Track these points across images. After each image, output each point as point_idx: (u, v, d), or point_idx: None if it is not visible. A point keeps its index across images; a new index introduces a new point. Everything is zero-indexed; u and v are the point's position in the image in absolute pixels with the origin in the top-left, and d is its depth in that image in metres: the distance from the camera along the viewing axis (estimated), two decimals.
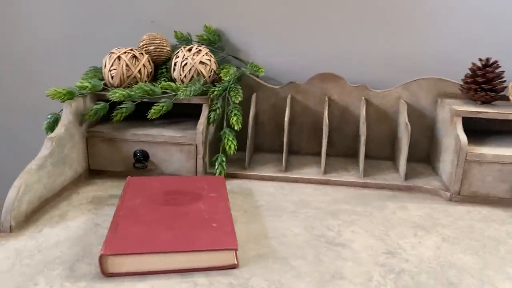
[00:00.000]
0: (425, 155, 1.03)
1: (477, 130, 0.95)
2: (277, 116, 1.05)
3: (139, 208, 0.71)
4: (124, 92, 0.87)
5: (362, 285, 0.58)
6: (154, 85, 0.90)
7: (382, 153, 1.04)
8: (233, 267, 0.61)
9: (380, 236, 0.71)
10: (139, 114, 0.95)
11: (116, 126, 0.93)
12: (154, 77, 1.00)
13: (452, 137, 0.86)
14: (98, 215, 0.76)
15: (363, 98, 0.98)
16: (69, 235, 0.69)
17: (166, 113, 0.90)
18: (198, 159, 0.89)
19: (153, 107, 0.88)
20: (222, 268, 0.61)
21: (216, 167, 0.90)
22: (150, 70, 0.96)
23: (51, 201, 0.79)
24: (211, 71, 0.94)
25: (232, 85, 0.92)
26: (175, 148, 0.89)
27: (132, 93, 0.87)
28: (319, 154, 1.04)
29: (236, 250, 0.61)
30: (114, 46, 0.96)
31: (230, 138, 0.89)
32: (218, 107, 0.91)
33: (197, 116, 0.91)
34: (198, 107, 0.91)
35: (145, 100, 0.89)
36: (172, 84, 0.90)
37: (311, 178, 0.92)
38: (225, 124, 0.92)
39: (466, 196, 0.85)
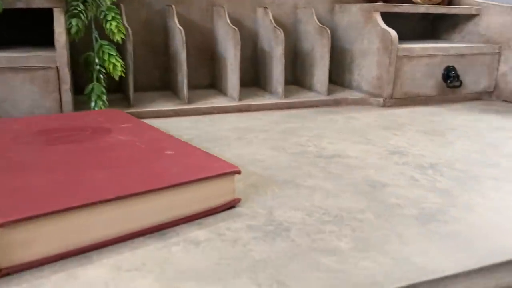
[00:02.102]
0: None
1: None
2: (152, 38, 0.76)
3: (9, 155, 0.37)
4: None
5: (414, 187, 0.41)
6: None
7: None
8: (233, 204, 0.36)
9: (364, 141, 0.55)
10: None
11: None
12: None
13: (374, 36, 0.75)
14: None
15: (260, 9, 0.79)
16: None
17: None
18: (63, 91, 0.56)
19: None
20: (219, 209, 0.35)
21: (93, 102, 0.59)
22: None
23: None
24: None
25: None
26: (21, 77, 0.54)
27: None
28: (213, 86, 0.81)
29: (239, 172, 0.35)
30: None
31: (113, 54, 0.59)
32: (81, 11, 0.59)
33: (32, 43, 0.57)
34: (29, 30, 0.58)
35: None
36: None
37: (228, 106, 0.68)
38: (94, 37, 0.61)
39: (398, 99, 0.76)
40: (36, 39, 0.69)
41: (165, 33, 0.76)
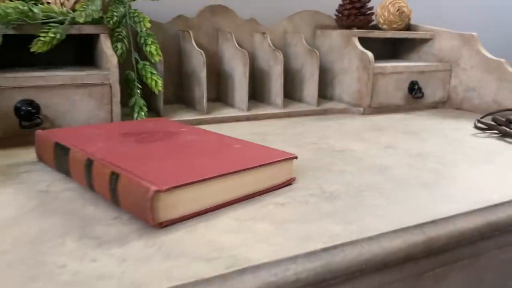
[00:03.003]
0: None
1: None
2: (167, 59, 0.88)
3: (119, 148, 0.48)
4: None
5: (411, 168, 0.57)
6: (34, 6, 0.62)
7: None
8: (291, 182, 0.49)
9: (361, 140, 0.70)
10: None
11: None
12: None
13: (354, 57, 0.91)
14: (29, 183, 0.48)
15: (257, 34, 0.93)
16: (20, 211, 0.41)
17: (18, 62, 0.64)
18: (114, 104, 0.67)
19: (41, 36, 0.61)
20: (283, 185, 0.48)
21: (136, 113, 0.70)
22: None
23: None
24: None
25: (131, 10, 0.72)
26: (80, 92, 0.64)
27: (10, 11, 0.58)
28: (219, 99, 0.94)
29: (296, 157, 0.48)
30: None
31: (154, 72, 0.70)
32: (125, 36, 0.70)
33: (72, 63, 0.68)
34: (69, 53, 0.68)
35: (21, 24, 0.61)
36: (54, 7, 0.64)
37: (239, 115, 0.81)
38: (134, 58, 0.72)
39: (375, 108, 0.92)
40: (51, 58, 0.78)
41: (179, 54, 0.88)
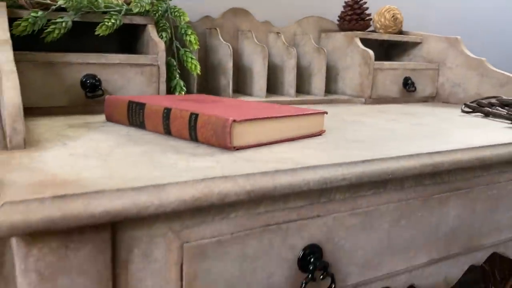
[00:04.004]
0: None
1: None
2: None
3: (185, 103, 0.60)
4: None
5: (414, 131, 0.71)
6: None
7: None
8: (322, 133, 0.61)
9: (369, 117, 0.82)
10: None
11: (47, 49, 0.72)
12: None
13: (357, 54, 1.05)
14: (110, 131, 0.59)
15: (272, 34, 1.06)
16: (117, 142, 0.52)
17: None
18: (160, 83, 0.78)
19: (105, 22, 0.72)
20: (317, 134, 0.60)
21: (177, 92, 0.81)
22: None
23: None
24: None
25: (172, 6, 0.85)
26: (134, 71, 0.76)
27: None
28: (237, 91, 1.06)
29: (326, 113, 0.61)
30: None
31: (194, 57, 0.82)
32: (168, 27, 0.82)
33: (117, 50, 0.80)
34: (114, 42, 0.80)
35: (87, 13, 0.72)
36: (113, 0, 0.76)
37: (259, 101, 0.93)
38: (175, 46, 0.84)
39: (375, 99, 1.05)
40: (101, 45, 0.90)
41: (204, 50, 1.00)
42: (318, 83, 1.05)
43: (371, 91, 1.04)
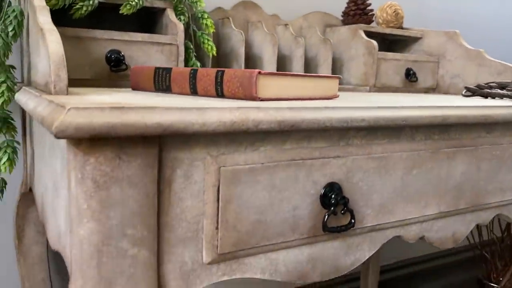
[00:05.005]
0: None
1: None
2: None
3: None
4: None
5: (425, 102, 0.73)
6: None
7: None
8: (336, 97, 0.65)
9: (378, 97, 0.87)
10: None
11: (76, 24, 0.76)
12: None
13: (361, 45, 1.10)
14: (140, 93, 0.62)
15: (280, 26, 1.11)
16: (148, 100, 0.56)
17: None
18: (179, 61, 0.82)
19: (129, 1, 0.77)
20: (332, 97, 0.64)
21: None
22: None
23: None
24: None
25: None
26: (155, 49, 0.80)
27: None
28: None
29: (340, 77, 0.65)
30: None
31: (210, 39, 0.87)
32: (186, 11, 0.87)
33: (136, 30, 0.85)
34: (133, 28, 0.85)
35: None
36: None
37: None
38: (192, 29, 0.88)
39: (379, 88, 1.10)
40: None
41: (218, 38, 1.05)
42: (324, 73, 1.10)
43: (375, 80, 1.09)
